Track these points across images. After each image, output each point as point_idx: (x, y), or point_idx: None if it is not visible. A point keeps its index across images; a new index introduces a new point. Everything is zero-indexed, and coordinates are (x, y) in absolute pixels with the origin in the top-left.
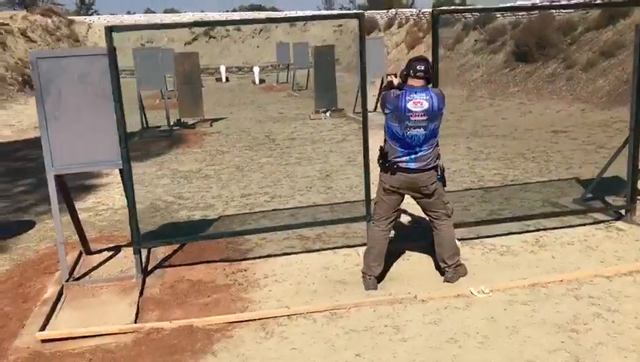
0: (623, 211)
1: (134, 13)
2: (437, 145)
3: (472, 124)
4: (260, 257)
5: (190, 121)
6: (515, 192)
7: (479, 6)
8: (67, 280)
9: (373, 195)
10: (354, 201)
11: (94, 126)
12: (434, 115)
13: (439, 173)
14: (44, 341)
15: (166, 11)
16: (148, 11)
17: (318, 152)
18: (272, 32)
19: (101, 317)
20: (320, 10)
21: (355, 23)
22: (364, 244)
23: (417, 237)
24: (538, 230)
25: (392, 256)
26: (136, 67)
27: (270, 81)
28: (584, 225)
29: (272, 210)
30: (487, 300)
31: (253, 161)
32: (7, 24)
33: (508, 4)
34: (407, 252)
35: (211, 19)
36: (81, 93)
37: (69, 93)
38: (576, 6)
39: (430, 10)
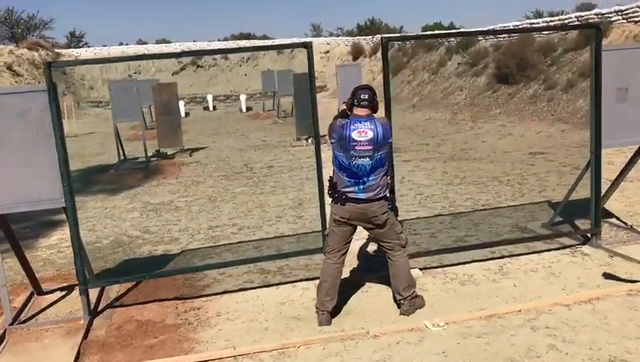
0: (589, 235)
1: (127, 44)
2: (386, 174)
3: (451, 148)
4: (215, 294)
5: (169, 152)
6: (484, 218)
7: (427, 32)
8: (11, 324)
9: None
10: (317, 232)
11: (35, 163)
12: (379, 144)
13: (390, 202)
14: None
15: (158, 41)
16: (140, 42)
17: (294, 180)
18: (260, 60)
19: None
20: (308, 37)
21: (340, 49)
22: None
23: (378, 268)
24: (503, 257)
25: (350, 288)
26: (111, 99)
27: (257, 108)
28: (549, 250)
29: (237, 242)
30: (441, 333)
31: (227, 190)
32: None
33: (460, 30)
34: (366, 284)
35: (193, 49)
36: (21, 130)
37: (9, 130)
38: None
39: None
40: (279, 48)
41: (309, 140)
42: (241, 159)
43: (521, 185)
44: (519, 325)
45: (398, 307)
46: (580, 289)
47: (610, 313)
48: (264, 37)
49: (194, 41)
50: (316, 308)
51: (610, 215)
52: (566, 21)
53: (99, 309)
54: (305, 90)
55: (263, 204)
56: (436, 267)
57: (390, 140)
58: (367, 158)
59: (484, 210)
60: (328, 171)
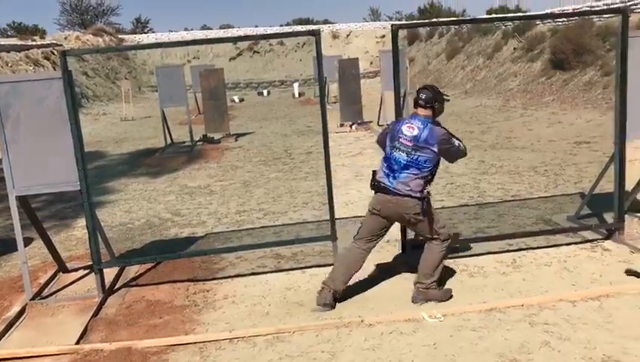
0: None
1: (191, 29)
2: (423, 178)
3: (495, 136)
4: (227, 277)
5: (216, 137)
6: (510, 209)
7: (435, 20)
8: (32, 299)
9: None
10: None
11: (53, 148)
12: (419, 144)
13: (423, 205)
14: None
15: (222, 27)
16: (204, 27)
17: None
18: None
19: (51, 337)
20: (367, 21)
21: (401, 33)
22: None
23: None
24: (519, 250)
25: (375, 275)
26: (158, 85)
27: (309, 94)
28: (569, 244)
29: (260, 227)
30: (436, 325)
31: (263, 176)
32: (61, 44)
33: (474, 17)
34: (391, 272)
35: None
36: (39, 116)
37: (28, 116)
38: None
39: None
40: (285, 37)
41: (353, 126)
42: (282, 145)
43: (557, 176)
44: (518, 320)
45: (416, 288)
46: (591, 285)
47: (617, 311)
48: (325, 21)
49: (256, 26)
50: (323, 283)
51: None
52: (629, 3)
53: (115, 288)
54: (350, 76)
55: (293, 190)
56: (450, 258)
57: (435, 148)
58: (404, 153)
59: (512, 200)
60: (351, 160)
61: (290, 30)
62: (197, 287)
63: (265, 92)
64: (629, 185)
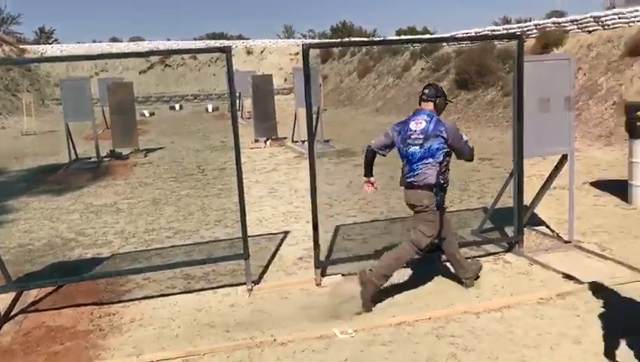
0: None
1: (100, 41)
2: (439, 165)
3: None
4: (134, 299)
5: (124, 152)
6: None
7: (347, 40)
8: None
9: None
10: (252, 236)
11: None
12: (429, 134)
13: (437, 199)
14: None
15: (132, 39)
16: (113, 40)
17: (244, 183)
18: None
19: None
20: (281, 38)
21: (315, 51)
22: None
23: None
24: (427, 263)
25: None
26: (63, 98)
27: (224, 109)
28: (473, 257)
29: (169, 246)
30: (347, 341)
31: (174, 193)
32: None
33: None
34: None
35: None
36: None
37: None
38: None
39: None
40: (196, 52)
41: (268, 142)
42: (195, 160)
43: (462, 191)
44: (426, 333)
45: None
46: (494, 296)
47: (517, 321)
48: (240, 37)
49: (168, 39)
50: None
51: (540, 222)
52: (525, 29)
53: (11, 314)
54: (264, 92)
55: (206, 208)
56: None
57: (444, 134)
58: (418, 147)
59: None
60: (266, 176)
61: (203, 45)
62: (102, 311)
63: (177, 106)
64: (528, 200)
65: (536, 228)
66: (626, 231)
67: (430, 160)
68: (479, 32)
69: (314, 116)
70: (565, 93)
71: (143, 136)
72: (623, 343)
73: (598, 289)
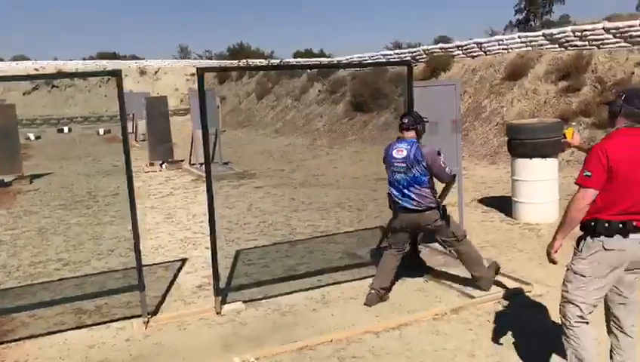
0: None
1: None
2: (430, 188)
3: (304, 174)
4: (17, 340)
5: (6, 179)
6: (319, 245)
7: (242, 65)
8: None
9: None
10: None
11: None
12: (410, 162)
13: (441, 212)
14: None
15: (15, 58)
16: None
17: (138, 209)
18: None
19: None
20: (177, 58)
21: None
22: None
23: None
24: (328, 285)
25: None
26: None
27: (116, 131)
28: (372, 276)
29: (58, 279)
30: None
31: (62, 221)
32: None
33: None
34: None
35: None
36: None
37: None
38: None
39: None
40: (84, 76)
41: (164, 166)
42: (86, 186)
43: (360, 211)
44: (328, 356)
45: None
46: (392, 315)
47: (414, 338)
48: (133, 57)
49: (55, 59)
50: (370, 287)
51: (435, 239)
52: (415, 54)
53: None
54: (158, 114)
55: (98, 236)
56: (262, 299)
57: (423, 163)
58: (403, 173)
59: (321, 236)
60: (161, 201)
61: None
62: None
63: (66, 129)
64: None
65: (429, 244)
66: (511, 245)
67: (417, 186)
68: (373, 57)
69: (212, 138)
70: (452, 116)
71: (28, 161)
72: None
73: (488, 302)
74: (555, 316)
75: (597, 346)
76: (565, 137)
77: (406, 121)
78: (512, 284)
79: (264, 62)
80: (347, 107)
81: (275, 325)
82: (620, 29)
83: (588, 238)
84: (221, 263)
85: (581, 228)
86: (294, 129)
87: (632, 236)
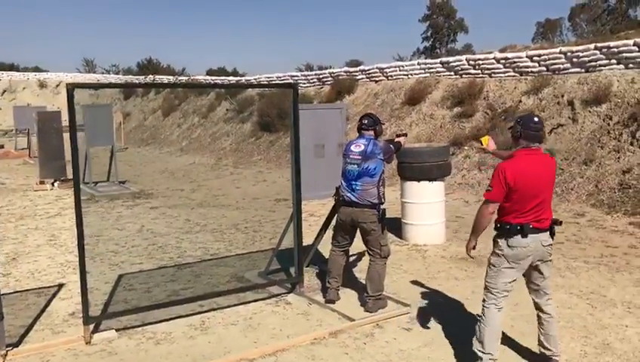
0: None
1: None
2: (377, 186)
3: (204, 194)
4: None
5: None
6: (207, 268)
7: (114, 82)
8: None
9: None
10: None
11: None
12: (367, 156)
13: (380, 214)
14: None
15: None
16: None
17: (20, 230)
18: (19, 94)
19: None
20: (81, 72)
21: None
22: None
23: None
24: (210, 310)
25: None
26: None
27: (10, 146)
28: (257, 300)
29: None
30: None
31: None
32: None
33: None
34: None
35: None
36: None
37: None
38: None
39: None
40: None
41: (55, 184)
42: None
43: (256, 233)
44: None
45: (362, 305)
46: (271, 340)
47: None
48: (36, 69)
49: None
50: (328, 282)
51: (325, 261)
52: (322, 76)
53: None
54: (51, 129)
55: None
56: (138, 326)
57: (380, 156)
58: (356, 165)
59: (211, 259)
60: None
61: None
62: None
63: None
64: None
65: (317, 266)
66: (397, 266)
67: (367, 178)
68: (280, 77)
69: (108, 155)
70: (338, 139)
71: None
72: None
73: (367, 324)
74: (428, 338)
75: (500, 327)
76: (482, 144)
77: (366, 121)
78: (392, 306)
79: (172, 78)
80: (254, 126)
81: (147, 354)
82: (509, 60)
83: (498, 238)
84: (100, 289)
85: (495, 229)
86: (200, 147)
87: (530, 235)
